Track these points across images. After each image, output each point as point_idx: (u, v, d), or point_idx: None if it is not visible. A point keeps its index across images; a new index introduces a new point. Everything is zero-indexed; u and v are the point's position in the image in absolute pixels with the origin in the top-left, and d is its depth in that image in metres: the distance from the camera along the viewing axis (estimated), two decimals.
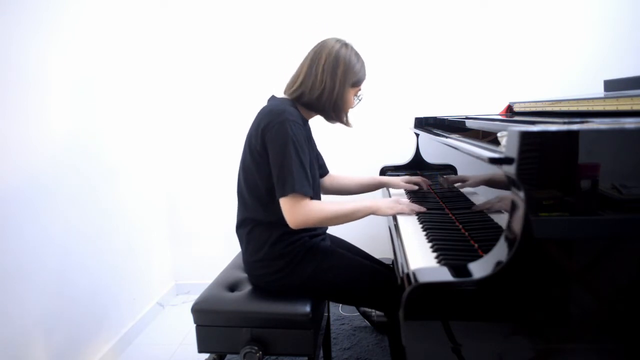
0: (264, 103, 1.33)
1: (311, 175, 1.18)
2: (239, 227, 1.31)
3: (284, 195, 1.13)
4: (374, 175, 1.67)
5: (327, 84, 1.22)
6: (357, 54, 1.29)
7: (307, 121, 1.31)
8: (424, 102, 2.16)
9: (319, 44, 1.28)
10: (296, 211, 1.13)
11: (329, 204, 1.19)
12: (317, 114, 1.32)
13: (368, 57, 2.14)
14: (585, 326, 0.68)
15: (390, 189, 1.62)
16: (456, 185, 1.28)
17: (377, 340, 1.85)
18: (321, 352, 1.59)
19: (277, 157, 1.14)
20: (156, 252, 2.26)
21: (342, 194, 1.62)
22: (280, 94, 1.33)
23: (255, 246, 1.24)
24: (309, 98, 1.24)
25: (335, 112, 1.27)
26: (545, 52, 2.05)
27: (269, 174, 1.18)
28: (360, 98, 1.34)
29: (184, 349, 1.86)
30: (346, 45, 1.27)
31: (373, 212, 1.24)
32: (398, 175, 1.86)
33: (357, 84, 1.29)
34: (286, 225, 1.18)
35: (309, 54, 1.28)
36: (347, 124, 1.34)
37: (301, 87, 1.25)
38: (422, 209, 1.25)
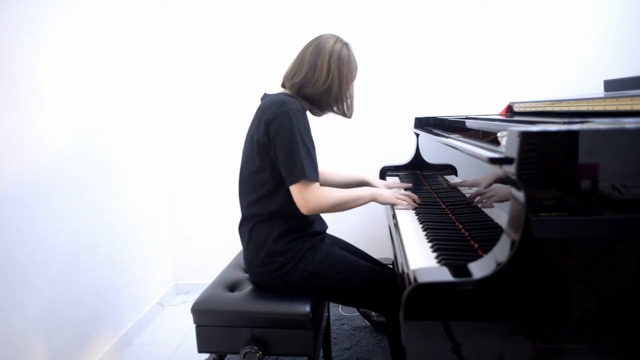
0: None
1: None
2: (242, 225, 1.33)
3: (295, 182, 1.17)
4: (358, 174, 1.65)
5: (335, 82, 1.28)
6: (353, 53, 1.35)
7: (305, 111, 1.33)
8: (424, 102, 2.16)
9: (316, 39, 1.31)
10: (309, 196, 1.18)
11: (335, 190, 1.27)
12: (313, 106, 1.34)
13: (368, 57, 2.16)
14: (585, 326, 0.68)
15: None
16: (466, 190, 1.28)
17: (377, 340, 1.85)
18: (321, 352, 1.60)
19: (285, 146, 1.17)
20: (156, 252, 2.26)
21: None
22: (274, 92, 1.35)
23: (257, 243, 1.25)
24: (311, 91, 1.28)
25: (339, 106, 1.34)
26: (545, 52, 2.05)
27: (273, 165, 1.21)
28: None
29: (184, 349, 1.86)
30: (347, 45, 1.32)
31: (375, 199, 1.33)
32: (398, 175, 1.87)
33: (352, 80, 1.37)
34: (289, 219, 1.23)
35: (307, 48, 1.31)
36: (350, 116, 1.39)
37: (304, 79, 1.28)
38: (418, 200, 1.34)
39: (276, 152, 1.19)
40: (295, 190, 1.18)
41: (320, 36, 1.32)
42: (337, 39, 1.31)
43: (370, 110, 2.20)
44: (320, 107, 1.33)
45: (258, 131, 1.22)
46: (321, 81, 1.26)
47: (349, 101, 1.35)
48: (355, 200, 1.28)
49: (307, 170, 1.16)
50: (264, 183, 1.24)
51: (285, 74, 1.33)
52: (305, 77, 1.27)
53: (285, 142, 1.16)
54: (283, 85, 1.35)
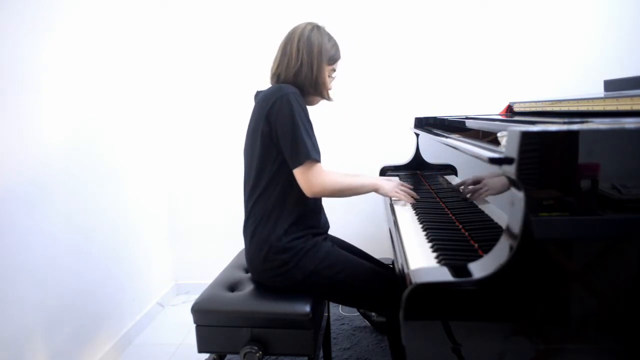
0: None
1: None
2: (246, 224, 1.33)
3: (299, 164, 1.18)
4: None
5: (304, 62, 1.28)
6: (328, 35, 1.34)
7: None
8: (424, 102, 2.16)
9: (290, 29, 1.33)
10: (313, 178, 1.19)
11: (340, 175, 1.28)
12: None
13: (369, 57, 2.16)
14: (585, 326, 0.68)
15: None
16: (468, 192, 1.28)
17: (377, 340, 1.85)
18: (321, 352, 1.60)
19: (287, 130, 1.18)
20: (156, 252, 2.26)
21: None
22: None
23: (260, 240, 1.25)
24: (286, 76, 1.30)
25: (315, 88, 1.32)
26: (545, 52, 2.05)
27: (276, 155, 1.22)
28: (334, 77, 1.39)
29: (184, 349, 1.86)
30: (317, 27, 1.33)
31: (376, 190, 1.35)
32: (398, 175, 1.87)
33: (331, 61, 1.34)
34: (290, 215, 1.24)
35: (282, 40, 1.34)
36: (328, 98, 1.38)
37: (278, 68, 1.31)
38: (418, 197, 1.36)
39: (278, 136, 1.20)
40: (299, 173, 1.19)
41: (294, 26, 1.33)
42: (308, 23, 1.33)
43: (370, 110, 2.20)
44: (302, 93, 1.33)
45: (259, 122, 1.22)
46: (292, 64, 1.28)
47: (325, 83, 1.33)
48: (358, 188, 1.31)
49: (311, 152, 1.17)
50: (265, 177, 1.25)
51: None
52: (280, 64, 1.31)
53: (287, 125, 1.17)
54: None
